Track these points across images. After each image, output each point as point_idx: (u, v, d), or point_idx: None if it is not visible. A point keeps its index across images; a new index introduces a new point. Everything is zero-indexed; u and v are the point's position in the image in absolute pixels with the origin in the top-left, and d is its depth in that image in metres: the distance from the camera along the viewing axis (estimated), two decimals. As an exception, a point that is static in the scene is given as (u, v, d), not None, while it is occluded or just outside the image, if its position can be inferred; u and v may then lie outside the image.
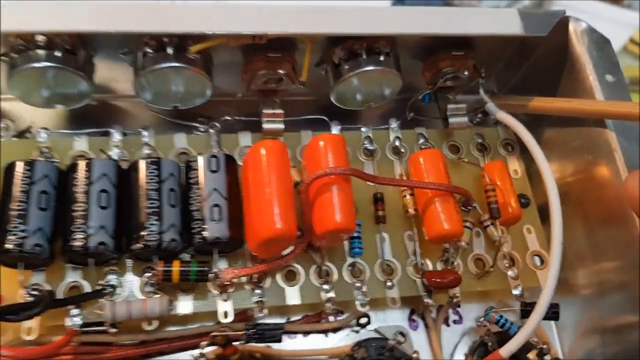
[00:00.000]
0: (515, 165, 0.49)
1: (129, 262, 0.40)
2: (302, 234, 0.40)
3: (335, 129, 0.47)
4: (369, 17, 0.42)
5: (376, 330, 0.44)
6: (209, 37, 0.40)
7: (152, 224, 0.38)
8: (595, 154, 0.44)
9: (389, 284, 0.43)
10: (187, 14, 0.40)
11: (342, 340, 0.44)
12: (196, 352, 0.39)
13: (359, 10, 0.42)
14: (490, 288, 0.45)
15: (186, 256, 0.41)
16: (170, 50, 0.40)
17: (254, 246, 0.39)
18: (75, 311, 0.38)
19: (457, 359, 0.45)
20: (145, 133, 0.44)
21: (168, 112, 0.46)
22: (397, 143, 0.47)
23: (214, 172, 0.40)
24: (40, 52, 0.39)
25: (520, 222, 0.46)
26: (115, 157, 0.43)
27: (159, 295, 0.39)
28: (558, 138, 0.48)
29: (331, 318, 0.44)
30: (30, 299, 0.38)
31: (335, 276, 0.42)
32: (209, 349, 0.39)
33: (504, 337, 0.43)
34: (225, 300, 0.40)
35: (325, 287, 0.42)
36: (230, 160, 0.42)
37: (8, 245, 0.36)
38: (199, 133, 0.46)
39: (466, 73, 0.45)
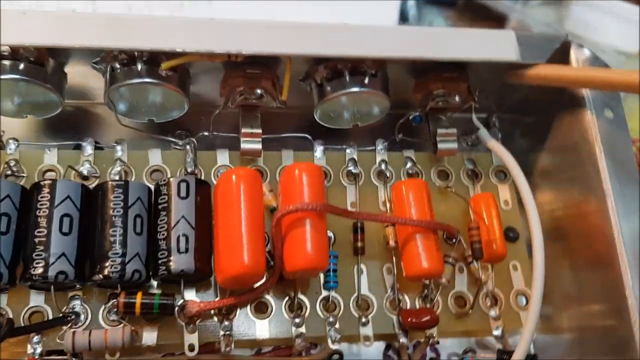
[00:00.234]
0: (506, 195, 0.47)
1: (93, 289, 0.39)
2: (274, 266, 0.39)
3: (318, 150, 0.45)
4: (353, 37, 0.39)
5: (349, 366, 0.43)
6: (181, 54, 0.37)
7: (115, 253, 0.37)
8: (587, 190, 0.42)
9: (363, 320, 0.41)
10: (158, 29, 0.37)
11: (313, 375, 0.43)
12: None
13: (342, 30, 0.39)
14: (470, 328, 0.43)
15: (154, 283, 0.39)
16: (141, 66, 0.38)
17: (221, 280, 0.38)
18: (36, 338, 0.37)
19: (431, 400, 0.43)
20: (118, 147, 0.42)
21: (143, 125, 0.44)
22: (382, 167, 0.45)
23: (183, 198, 0.39)
24: (5, 62, 0.37)
25: (507, 258, 0.44)
26: (86, 173, 0.41)
27: (122, 325, 0.38)
28: (554, 167, 0.46)
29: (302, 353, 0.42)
30: (-11, 324, 0.37)
31: (307, 310, 0.41)
32: (170, 385, 0.38)
33: (480, 381, 0.41)
34: (192, 333, 0.39)
35: (297, 321, 0.40)
36: (201, 185, 0.40)
37: (-37, 272, 0.35)
38: (176, 148, 0.44)
39: (458, 98, 0.42)
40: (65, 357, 0.38)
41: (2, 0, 0.40)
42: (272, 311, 0.40)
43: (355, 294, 0.42)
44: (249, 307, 0.40)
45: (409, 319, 0.41)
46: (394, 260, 0.43)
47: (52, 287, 0.37)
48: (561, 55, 0.42)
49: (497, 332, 0.43)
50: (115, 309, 0.38)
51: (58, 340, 0.37)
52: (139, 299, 0.37)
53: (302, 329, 0.40)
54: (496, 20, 0.66)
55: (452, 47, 0.40)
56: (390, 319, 0.42)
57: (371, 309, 0.42)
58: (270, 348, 0.42)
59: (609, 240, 0.40)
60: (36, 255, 0.36)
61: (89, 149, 0.42)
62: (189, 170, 0.42)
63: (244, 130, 0.42)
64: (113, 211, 0.37)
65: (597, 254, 0.41)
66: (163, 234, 0.38)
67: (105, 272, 0.36)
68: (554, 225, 0.44)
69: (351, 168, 0.45)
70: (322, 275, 0.42)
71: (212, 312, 0.39)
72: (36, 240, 0.36)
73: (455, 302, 0.43)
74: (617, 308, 0.39)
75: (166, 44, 0.36)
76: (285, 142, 0.45)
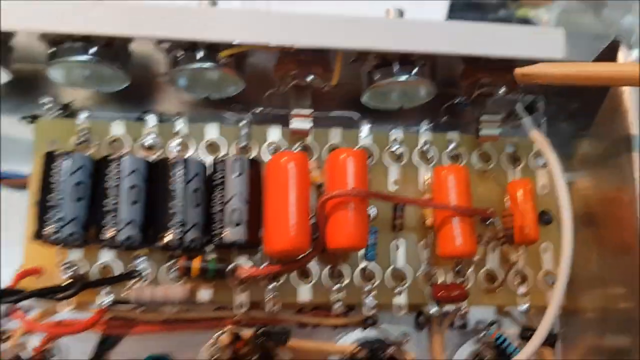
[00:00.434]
0: (544, 180, 0.48)
1: (156, 251, 0.43)
2: (317, 240, 0.42)
3: (364, 129, 0.47)
4: (403, 32, 0.40)
5: (382, 330, 0.47)
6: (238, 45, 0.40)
7: (175, 223, 0.41)
8: (621, 181, 0.44)
9: (397, 290, 0.45)
10: (216, 21, 0.39)
11: (348, 336, 0.47)
12: (210, 340, 0.43)
13: (393, 24, 0.40)
14: (498, 303, 0.46)
15: (209, 249, 0.44)
16: (201, 52, 0.41)
17: (268, 252, 0.42)
18: (106, 290, 0.43)
19: (456, 364, 0.47)
20: (178, 121, 0.46)
21: (201, 100, 0.47)
22: (425, 148, 0.47)
23: (237, 176, 0.42)
24: (76, 44, 0.41)
25: (539, 240, 0.46)
26: (148, 144, 0.45)
27: (180, 283, 0.43)
28: (593, 154, 0.47)
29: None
30: (67, 274, 0.42)
31: (346, 279, 0.45)
32: (222, 338, 0.43)
33: (502, 353, 0.45)
34: (242, 292, 0.43)
35: (336, 287, 0.44)
36: (254, 164, 0.43)
37: (46, 232, 0.40)
38: (230, 123, 0.47)
39: (503, 90, 0.44)
40: (130, 306, 0.43)
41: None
42: (314, 277, 0.45)
43: (392, 267, 0.45)
44: (293, 273, 0.44)
45: (440, 293, 0.44)
46: (430, 237, 0.46)
47: (121, 249, 0.42)
48: (609, 55, 0.42)
49: (523, 308, 0.46)
50: (175, 270, 0.43)
51: (124, 295, 0.42)
52: (196, 263, 0.42)
53: (341, 295, 0.44)
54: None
55: (500, 44, 0.41)
56: (423, 291, 0.45)
57: (405, 280, 0.45)
58: (311, 309, 0.47)
59: (635, 231, 0.42)
60: (107, 221, 0.41)
61: (151, 121, 0.45)
62: (243, 144, 0.45)
63: (294, 110, 0.45)
64: (174, 185, 0.41)
65: (624, 242, 0.43)
66: (218, 208, 0.42)
67: (167, 239, 0.41)
68: (587, 211, 0.46)
69: (395, 148, 0.47)
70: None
71: (260, 277, 0.43)
72: (107, 208, 0.41)
73: (486, 278, 0.46)
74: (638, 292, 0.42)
75: (224, 37, 0.39)
76: (334, 119, 0.48)
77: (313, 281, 0.44)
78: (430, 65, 0.43)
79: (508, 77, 0.44)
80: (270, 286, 0.44)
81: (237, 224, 0.41)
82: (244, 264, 0.43)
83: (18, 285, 0.41)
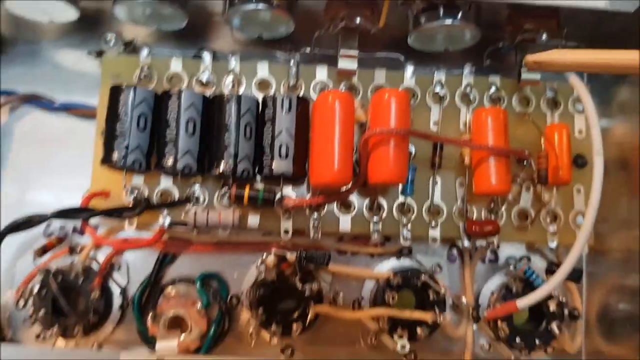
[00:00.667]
0: (581, 125, 0.50)
1: (211, 178, 0.47)
2: (359, 175, 0.45)
3: (409, 70, 0.49)
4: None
5: (416, 260, 0.50)
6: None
7: (228, 154, 0.44)
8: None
9: (433, 224, 0.48)
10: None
11: (384, 264, 0.50)
12: (259, 258, 0.48)
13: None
14: (528, 239, 0.49)
15: (258, 179, 0.47)
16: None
17: (313, 183, 0.45)
18: (165, 213, 0.47)
19: (484, 294, 0.50)
20: (231, 59, 0.48)
21: (254, 39, 0.50)
22: (467, 90, 0.49)
23: (286, 112, 0.45)
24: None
25: (573, 182, 0.48)
26: (205, 80, 0.48)
27: (232, 209, 0.47)
28: (631, 102, 0.48)
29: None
30: (130, 197, 0.46)
31: (385, 211, 0.48)
32: (268, 260, 0.47)
33: (529, 285, 0.48)
34: (287, 220, 0.47)
35: (375, 219, 0.48)
36: (302, 101, 0.46)
37: (113, 159, 0.44)
38: (280, 62, 0.49)
39: (546, 36, 0.45)
40: (187, 228, 0.48)
41: None
42: (354, 209, 0.48)
43: (428, 202, 0.48)
44: (335, 204, 0.48)
45: (473, 228, 0.47)
46: (467, 175, 0.48)
47: (179, 176, 0.46)
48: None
49: (552, 245, 0.48)
50: (227, 197, 0.47)
51: (182, 216, 0.46)
52: (247, 192, 0.45)
53: (379, 226, 0.48)
54: None
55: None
56: (457, 225, 0.48)
57: (441, 215, 0.48)
58: (350, 238, 0.50)
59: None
60: (167, 150, 0.45)
61: (207, 58, 0.48)
62: (291, 83, 0.48)
63: (342, 51, 0.47)
64: (228, 119, 0.45)
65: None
66: (268, 141, 0.45)
67: (220, 169, 0.45)
68: (621, 156, 0.47)
69: (438, 89, 0.49)
70: (401, 184, 0.48)
71: (304, 206, 0.47)
72: (167, 138, 0.45)
73: (518, 216, 0.49)
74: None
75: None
76: (379, 60, 0.49)
77: (353, 212, 0.48)
78: (476, 9, 0.44)
79: (551, 23, 0.45)
80: (314, 215, 0.47)
81: (285, 157, 0.45)
82: (290, 194, 0.47)
83: (88, 205, 0.46)
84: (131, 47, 0.50)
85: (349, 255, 0.51)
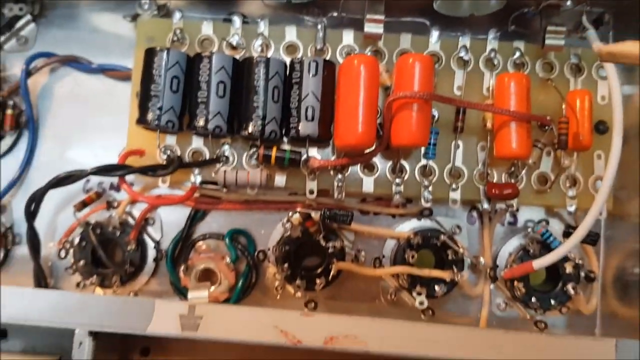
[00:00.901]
0: (604, 91, 0.50)
1: (239, 139, 0.49)
2: (382, 137, 0.46)
3: (434, 35, 0.50)
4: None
5: (436, 221, 0.52)
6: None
7: (257, 116, 0.46)
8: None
9: (454, 186, 0.49)
10: None
11: (405, 224, 0.52)
12: (285, 216, 0.50)
13: None
14: (547, 203, 0.50)
15: (285, 140, 0.49)
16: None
17: (338, 145, 0.47)
18: (197, 171, 0.49)
19: (502, 255, 0.52)
20: (260, 22, 0.50)
21: (282, 3, 0.51)
22: (491, 55, 0.50)
23: (313, 76, 0.46)
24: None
25: (593, 147, 0.48)
26: (234, 43, 0.49)
27: (260, 169, 0.49)
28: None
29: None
30: (164, 156, 0.49)
31: (407, 174, 0.49)
32: (294, 217, 0.49)
33: (546, 247, 0.49)
34: (312, 181, 0.49)
35: (397, 181, 0.49)
36: (328, 65, 0.47)
37: (148, 119, 0.46)
38: (308, 26, 0.51)
39: (570, 2, 0.45)
40: (217, 186, 0.50)
41: None
42: (377, 171, 0.49)
43: (450, 165, 0.49)
44: (359, 166, 0.49)
45: (493, 191, 0.48)
46: (488, 139, 0.49)
47: (210, 136, 0.48)
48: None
49: (571, 209, 0.49)
50: (255, 157, 0.49)
51: (213, 175, 0.49)
52: (274, 152, 0.47)
53: (401, 188, 0.49)
54: None
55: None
56: (477, 188, 0.49)
57: (462, 178, 0.49)
58: (373, 199, 0.52)
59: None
60: (199, 111, 0.46)
61: (237, 22, 0.50)
62: (318, 47, 0.49)
63: (368, 15, 0.48)
64: (256, 82, 0.46)
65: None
66: (295, 104, 0.47)
67: (249, 130, 0.46)
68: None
69: (462, 54, 0.50)
70: (423, 147, 0.49)
71: (329, 167, 0.49)
72: (199, 100, 0.46)
73: (538, 180, 0.50)
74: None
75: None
76: (405, 25, 0.50)
77: (376, 174, 0.49)
78: (501, -26, 0.45)
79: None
80: (338, 177, 0.49)
81: (311, 119, 0.46)
82: (315, 156, 0.49)
83: (124, 163, 0.48)
84: (164, 11, 0.52)
85: (371, 215, 0.53)
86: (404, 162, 0.49)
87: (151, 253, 0.52)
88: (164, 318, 0.42)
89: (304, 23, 0.51)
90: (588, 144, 0.47)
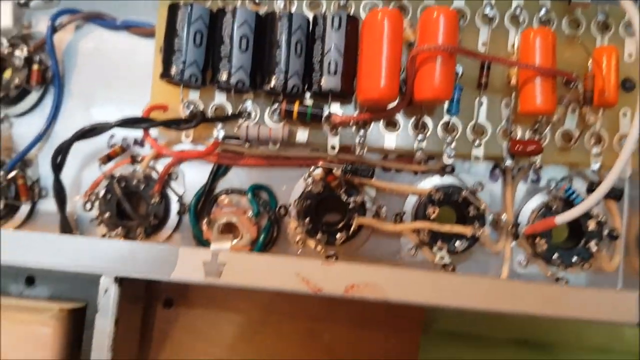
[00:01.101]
0: (632, 49, 0.49)
1: (262, 95, 0.49)
2: (405, 92, 0.46)
3: (458, -11, 0.49)
4: None
5: (458, 178, 0.52)
6: None
7: (279, 70, 0.46)
8: None
9: (477, 143, 0.49)
10: None
11: (427, 181, 0.52)
12: (306, 172, 0.50)
13: None
14: (571, 160, 0.50)
15: (307, 95, 0.49)
16: None
17: (360, 100, 0.47)
18: (220, 126, 0.49)
19: (524, 213, 0.52)
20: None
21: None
22: (517, 12, 0.49)
23: (335, 30, 0.46)
24: None
25: (619, 105, 0.48)
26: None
27: (282, 124, 0.49)
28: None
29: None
30: (187, 111, 0.49)
31: (430, 130, 0.49)
32: (315, 172, 0.50)
33: (569, 204, 0.49)
34: (334, 136, 0.49)
35: (420, 137, 0.49)
36: (351, 20, 0.47)
37: (171, 72, 0.47)
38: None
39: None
40: (239, 141, 0.50)
41: None
42: (400, 127, 0.49)
43: (473, 121, 0.49)
44: (381, 122, 0.49)
45: (517, 147, 0.48)
46: (513, 96, 0.49)
47: (232, 91, 0.48)
48: None
49: (595, 167, 0.49)
50: (277, 112, 0.49)
51: (235, 130, 0.49)
52: (296, 107, 0.47)
53: (423, 144, 0.49)
54: None
55: None
56: (501, 145, 0.49)
57: (485, 134, 0.49)
58: (395, 156, 0.52)
59: None
60: (222, 65, 0.47)
61: (260, -24, 0.50)
62: (342, 2, 0.49)
63: (392, -31, 0.48)
64: (279, 36, 0.46)
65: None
66: (317, 58, 0.47)
67: (272, 84, 0.47)
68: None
69: (487, 11, 0.49)
70: (446, 103, 0.49)
71: (351, 123, 0.49)
72: (222, 54, 0.47)
73: (562, 137, 0.49)
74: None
75: None
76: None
77: (399, 130, 0.49)
78: None
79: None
80: (360, 132, 0.49)
81: (334, 74, 0.46)
82: (338, 112, 0.49)
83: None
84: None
85: (393, 173, 0.53)
86: (426, 119, 0.49)
87: (174, 207, 0.52)
88: (187, 265, 0.43)
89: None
90: (614, 101, 0.47)
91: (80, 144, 0.48)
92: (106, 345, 0.45)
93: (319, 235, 0.49)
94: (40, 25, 0.54)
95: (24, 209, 0.53)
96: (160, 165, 0.53)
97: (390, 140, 0.49)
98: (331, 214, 0.53)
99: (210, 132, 0.49)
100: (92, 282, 0.45)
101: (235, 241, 0.50)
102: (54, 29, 0.52)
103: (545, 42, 0.46)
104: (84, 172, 0.53)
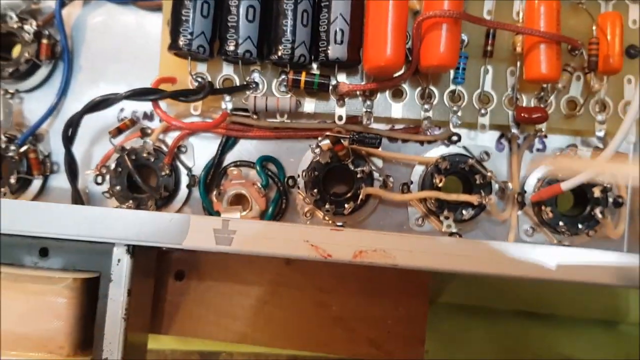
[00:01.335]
0: (635, 15, 0.49)
1: (269, 66, 0.50)
2: (411, 61, 0.47)
3: (463, -43, 0.50)
4: None
5: (464, 147, 0.52)
6: None
7: (286, 40, 0.47)
8: None
9: (482, 111, 0.49)
10: None
11: (433, 151, 0.52)
12: (313, 144, 0.51)
13: None
14: (576, 128, 0.50)
15: (314, 66, 0.49)
16: None
17: (367, 68, 0.47)
18: (228, 98, 0.50)
19: (530, 182, 0.52)
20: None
21: None
22: (521, -22, 0.49)
23: (342, -1, 0.47)
24: None
25: (623, 72, 0.48)
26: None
27: (289, 95, 0.50)
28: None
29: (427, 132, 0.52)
30: (195, 83, 0.49)
31: (436, 99, 0.50)
32: (323, 143, 0.50)
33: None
34: (341, 107, 0.50)
35: (426, 107, 0.49)
36: (357, -12, 0.47)
37: (179, 44, 0.47)
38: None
39: None
40: (247, 113, 0.51)
41: None
42: (406, 97, 0.50)
43: (479, 90, 0.50)
44: (387, 92, 0.50)
45: (523, 114, 0.48)
46: (518, 64, 0.49)
47: (240, 61, 0.49)
48: None
49: (600, 134, 0.49)
50: (284, 83, 0.49)
51: (243, 101, 0.50)
52: (303, 77, 0.48)
53: (430, 114, 0.50)
54: None
55: None
56: (506, 113, 0.50)
57: (491, 103, 0.50)
58: (402, 126, 0.53)
59: None
60: (229, 36, 0.47)
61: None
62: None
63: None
64: (286, 6, 0.47)
65: None
66: (324, 27, 0.47)
67: (279, 53, 0.47)
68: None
69: (492, -23, 0.49)
70: (452, 72, 0.49)
71: (358, 92, 0.49)
72: (229, 24, 0.47)
73: (567, 105, 0.50)
74: None
75: None
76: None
77: (405, 100, 0.50)
78: None
79: None
80: (367, 103, 0.49)
81: (340, 42, 0.47)
82: (344, 81, 0.49)
83: (157, 89, 0.49)
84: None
85: (399, 143, 0.53)
86: (432, 88, 0.50)
87: (184, 180, 0.53)
88: (199, 232, 0.43)
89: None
90: (619, 67, 0.47)
91: (90, 119, 0.49)
92: (120, 315, 0.46)
93: (327, 206, 0.50)
94: (49, 0, 0.54)
95: (36, 183, 0.54)
96: (170, 139, 0.53)
97: (397, 110, 0.50)
98: (339, 185, 0.53)
99: (219, 105, 0.50)
100: (105, 253, 0.46)
101: (245, 212, 0.51)
102: (62, 3, 0.53)
103: (549, 9, 0.46)
104: (94, 147, 0.54)
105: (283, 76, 0.49)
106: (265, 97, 0.49)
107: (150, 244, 0.44)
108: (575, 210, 0.52)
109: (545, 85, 0.49)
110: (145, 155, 0.52)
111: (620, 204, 0.50)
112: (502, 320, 0.71)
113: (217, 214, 0.51)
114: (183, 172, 0.53)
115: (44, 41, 0.52)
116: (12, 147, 0.52)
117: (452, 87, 0.49)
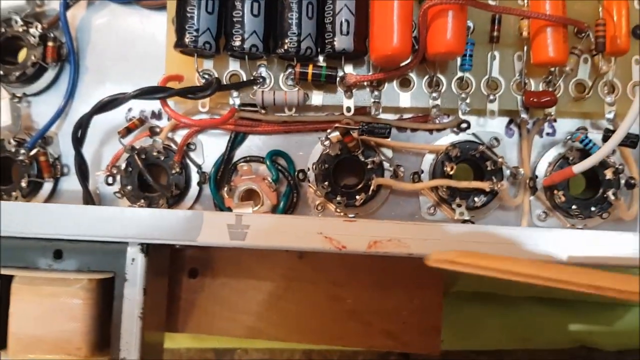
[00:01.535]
0: (643, -4, 0.49)
1: (275, 60, 0.50)
2: (418, 49, 0.47)
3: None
4: None
5: (474, 135, 0.52)
6: None
7: (292, 33, 0.47)
8: None
9: (491, 97, 0.49)
10: None
11: (443, 139, 0.52)
12: (322, 136, 0.51)
13: None
14: (585, 110, 0.50)
15: (321, 58, 0.49)
16: None
17: (374, 58, 0.47)
18: (235, 93, 0.50)
19: (541, 167, 0.52)
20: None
21: None
22: (526, -38, 0.49)
23: (347, -11, 0.47)
24: None
25: (631, 52, 0.48)
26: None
27: (297, 89, 0.50)
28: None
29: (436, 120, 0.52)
30: (203, 80, 0.49)
31: (444, 87, 0.49)
32: (332, 135, 0.50)
33: (585, 155, 0.49)
34: (349, 98, 0.50)
35: (434, 95, 0.49)
36: (362, -22, 0.47)
37: (185, 41, 0.47)
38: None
39: None
40: (255, 108, 0.51)
41: None
42: (414, 86, 0.50)
43: (487, 76, 0.49)
44: (395, 81, 0.50)
45: (531, 99, 0.48)
46: (525, 49, 0.49)
47: (246, 56, 0.49)
48: None
49: (609, 116, 0.49)
50: (292, 77, 0.49)
51: (251, 97, 0.50)
52: (310, 69, 0.48)
53: (438, 102, 0.49)
54: None
55: None
56: (515, 98, 0.49)
57: (499, 88, 0.50)
58: (410, 115, 0.53)
59: None
60: (235, 31, 0.47)
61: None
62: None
63: None
64: (290, -1, 0.47)
65: None
66: (329, 19, 0.47)
67: (285, 47, 0.47)
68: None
69: (496, -37, 0.49)
70: (459, 59, 0.49)
71: (366, 83, 0.49)
72: (234, 19, 0.47)
73: (576, 88, 0.49)
74: None
75: None
76: None
77: (413, 89, 0.50)
78: None
79: None
80: (375, 93, 0.49)
81: (346, 33, 0.47)
82: (352, 72, 0.49)
83: (164, 87, 0.49)
84: None
85: (409, 133, 0.53)
86: (440, 76, 0.49)
87: (194, 177, 0.53)
88: (212, 228, 0.43)
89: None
90: (626, 48, 0.47)
91: (99, 120, 0.49)
92: (136, 315, 0.46)
93: (338, 198, 0.50)
94: (53, 2, 0.54)
95: (47, 186, 0.54)
96: (179, 137, 0.53)
97: (405, 99, 0.50)
98: (349, 177, 0.53)
99: (226, 101, 0.50)
100: (119, 253, 0.46)
101: (256, 208, 0.51)
102: (66, 5, 0.53)
103: (555, -9, 0.46)
104: (104, 148, 0.54)
105: (290, 70, 0.49)
106: (273, 91, 0.49)
107: (165, 242, 0.44)
108: (588, 193, 0.51)
109: (553, 69, 0.49)
110: (155, 154, 0.52)
111: (632, 186, 0.50)
112: (517, 307, 0.71)
113: (229, 210, 0.51)
114: (193, 170, 0.53)
115: (50, 44, 0.52)
116: (22, 151, 0.52)
117: (459, 74, 0.49)
